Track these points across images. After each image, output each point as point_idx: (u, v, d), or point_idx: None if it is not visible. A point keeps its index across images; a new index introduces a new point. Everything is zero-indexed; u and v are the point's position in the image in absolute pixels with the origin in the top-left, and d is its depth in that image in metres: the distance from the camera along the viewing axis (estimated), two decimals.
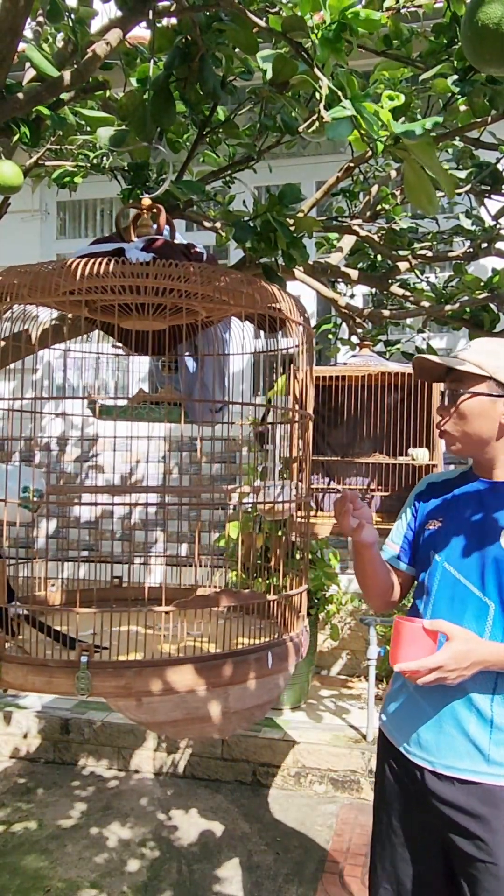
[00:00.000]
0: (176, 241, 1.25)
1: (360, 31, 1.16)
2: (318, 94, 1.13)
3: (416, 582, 1.66)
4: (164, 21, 1.49)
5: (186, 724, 1.13)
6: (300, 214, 1.83)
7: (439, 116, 1.47)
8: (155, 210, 1.28)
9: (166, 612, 1.50)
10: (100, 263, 1.07)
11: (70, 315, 1.62)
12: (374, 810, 1.62)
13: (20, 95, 1.44)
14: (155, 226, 1.31)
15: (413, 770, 1.48)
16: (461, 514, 1.54)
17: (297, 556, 1.42)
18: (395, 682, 1.62)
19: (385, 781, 1.58)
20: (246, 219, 1.70)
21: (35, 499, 1.28)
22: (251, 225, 1.65)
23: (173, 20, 1.51)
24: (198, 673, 1.12)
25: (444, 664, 1.33)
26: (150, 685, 1.09)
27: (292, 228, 1.66)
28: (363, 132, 1.05)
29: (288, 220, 1.67)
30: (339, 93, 1.09)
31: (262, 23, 1.21)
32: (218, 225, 2.13)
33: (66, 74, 1.40)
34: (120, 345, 1.60)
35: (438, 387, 2.85)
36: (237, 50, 1.58)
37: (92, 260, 1.08)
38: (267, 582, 1.69)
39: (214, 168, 2.13)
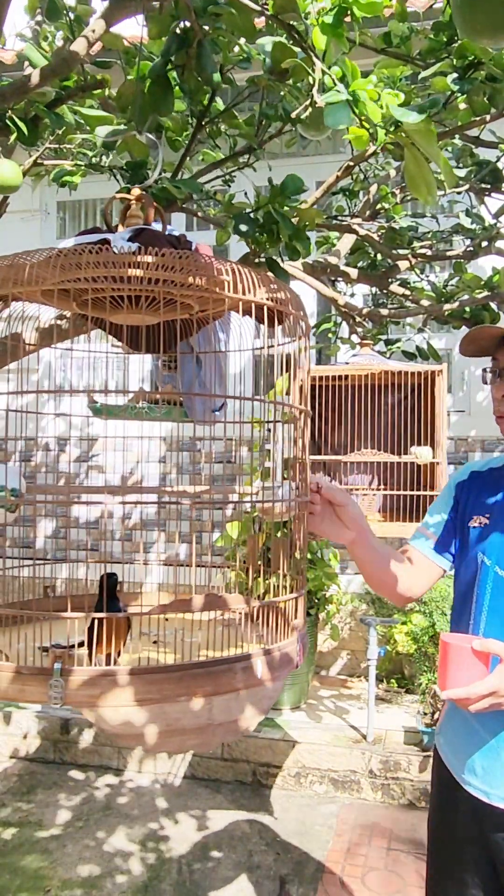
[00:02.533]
0: (167, 233, 1.22)
1: (361, 15, 1.14)
2: (311, 79, 1.11)
3: (454, 583, 1.49)
4: (158, 6, 1.47)
5: (166, 736, 1.04)
6: (302, 206, 1.81)
7: (436, 107, 1.45)
8: (143, 201, 1.26)
9: (165, 619, 1.45)
10: (80, 253, 1.02)
11: (66, 313, 1.61)
12: (429, 832, 1.50)
13: None
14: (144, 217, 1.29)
15: (469, 799, 1.35)
16: None
17: (297, 557, 1.38)
18: (449, 701, 1.44)
19: (439, 806, 1.46)
20: (247, 211, 1.68)
21: (12, 498, 1.24)
22: (253, 217, 1.63)
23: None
24: (178, 682, 1.03)
25: (497, 689, 1.19)
26: (125, 695, 1.00)
27: (294, 220, 1.64)
28: (361, 117, 1.03)
29: (290, 211, 1.65)
30: (334, 77, 1.07)
31: (254, 5, 1.20)
32: (216, 221, 2.12)
33: (35, 73, 1.38)
34: (119, 344, 1.60)
35: (441, 384, 2.84)
36: (241, 39, 1.56)
37: (73, 250, 1.05)
38: (267, 583, 1.66)
39: (215, 161, 2.12)
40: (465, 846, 1.38)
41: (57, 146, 2.25)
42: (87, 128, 2.01)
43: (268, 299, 1.11)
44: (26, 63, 1.72)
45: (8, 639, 1.25)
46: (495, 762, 1.31)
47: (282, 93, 1.64)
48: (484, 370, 1.43)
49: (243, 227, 1.55)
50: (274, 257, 1.73)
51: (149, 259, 1.00)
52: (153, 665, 1.07)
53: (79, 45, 1.30)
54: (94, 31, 1.27)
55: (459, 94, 1.84)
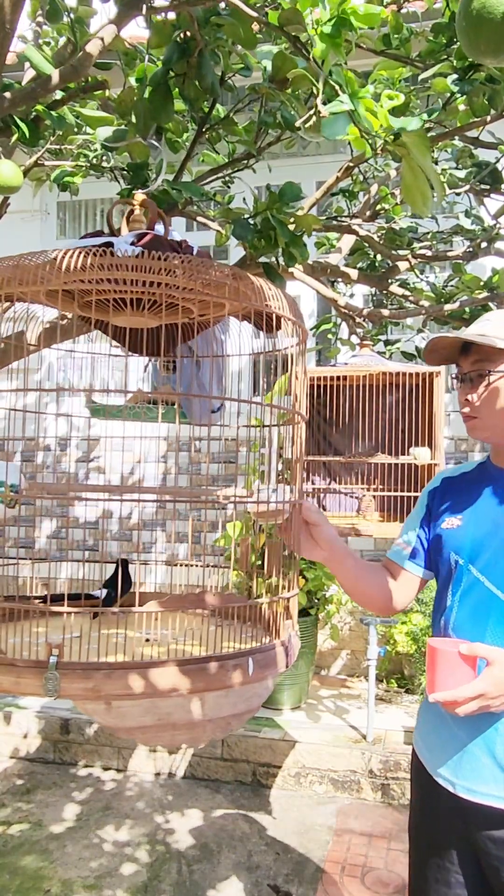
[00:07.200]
0: (169, 238, 1.24)
1: (359, 27, 1.15)
2: (315, 90, 1.12)
3: (436, 587, 1.53)
4: (162, 16, 1.48)
5: (157, 730, 1.08)
6: (300, 212, 1.82)
7: (436, 109, 1.46)
8: (146, 206, 1.27)
9: (150, 614, 1.46)
10: (84, 255, 1.04)
11: (67, 314, 1.61)
12: (410, 833, 1.51)
13: (7, 94, 1.44)
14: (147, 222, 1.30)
15: (441, 792, 1.37)
16: (483, 510, 1.40)
17: (290, 559, 1.39)
18: (424, 700, 1.47)
19: (418, 804, 1.48)
20: (245, 216, 1.70)
21: (12, 493, 1.26)
22: (251, 223, 1.64)
23: (171, 15, 1.50)
24: (171, 678, 1.06)
25: (485, 692, 1.20)
26: (119, 688, 1.03)
27: (292, 227, 1.65)
28: (361, 128, 1.04)
29: (288, 218, 1.67)
30: (337, 88, 1.08)
31: (259, 16, 1.21)
32: (215, 225, 2.13)
33: (55, 73, 1.39)
34: (117, 344, 1.61)
35: (439, 385, 2.84)
36: (238, 47, 1.57)
37: (77, 252, 1.06)
38: (267, 583, 1.67)
39: (214, 167, 2.12)
40: (448, 845, 1.39)
41: (58, 147, 2.25)
42: (88, 129, 2.01)
43: (266, 306, 1.12)
44: (26, 64, 1.73)
45: (3, 633, 1.27)
46: (462, 755, 1.33)
47: (280, 101, 1.65)
48: (451, 377, 1.45)
49: (241, 233, 1.57)
50: (270, 262, 1.74)
51: (151, 262, 1.02)
52: (146, 661, 1.09)
53: (93, 47, 1.31)
54: (101, 39, 1.28)
55: (459, 96, 1.84)
